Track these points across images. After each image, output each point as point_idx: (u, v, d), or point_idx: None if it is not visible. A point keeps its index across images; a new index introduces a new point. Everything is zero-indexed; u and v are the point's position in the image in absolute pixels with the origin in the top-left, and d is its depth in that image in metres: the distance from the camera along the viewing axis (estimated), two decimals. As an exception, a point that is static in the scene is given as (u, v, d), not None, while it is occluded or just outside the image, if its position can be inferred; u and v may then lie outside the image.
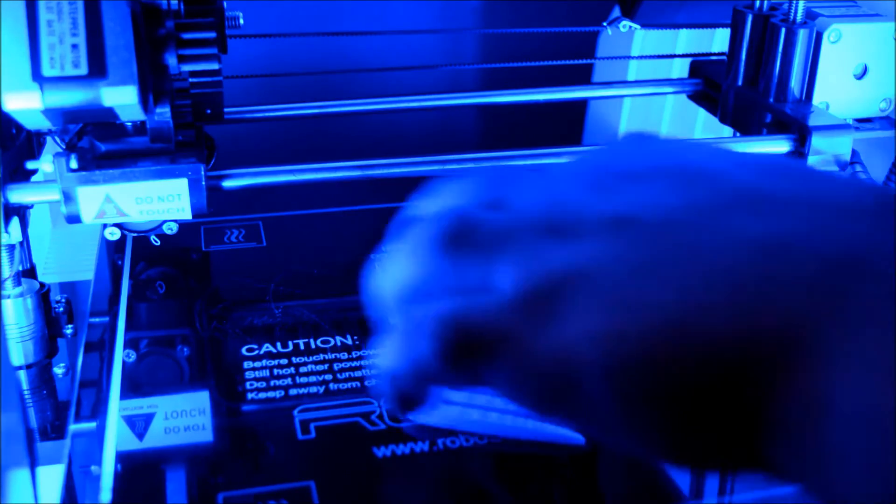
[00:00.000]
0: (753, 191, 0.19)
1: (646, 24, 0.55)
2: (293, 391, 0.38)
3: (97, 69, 0.32)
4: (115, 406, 0.37)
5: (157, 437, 0.35)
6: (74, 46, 0.32)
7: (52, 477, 0.34)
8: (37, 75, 0.32)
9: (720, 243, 0.18)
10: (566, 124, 0.72)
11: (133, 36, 0.32)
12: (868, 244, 0.17)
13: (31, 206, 0.42)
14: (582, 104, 0.72)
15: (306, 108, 0.50)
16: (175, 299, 0.47)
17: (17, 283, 0.42)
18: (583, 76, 0.69)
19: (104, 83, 0.32)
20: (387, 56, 0.63)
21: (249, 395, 0.38)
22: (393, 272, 0.24)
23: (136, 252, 0.51)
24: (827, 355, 0.16)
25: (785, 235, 0.18)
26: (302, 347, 0.41)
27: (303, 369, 0.40)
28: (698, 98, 0.54)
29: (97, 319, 0.45)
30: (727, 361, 0.17)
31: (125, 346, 0.42)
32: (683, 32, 0.63)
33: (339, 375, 0.39)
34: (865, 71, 0.47)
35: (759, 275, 0.17)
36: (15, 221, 0.40)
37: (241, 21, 0.43)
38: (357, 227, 0.55)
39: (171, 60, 0.36)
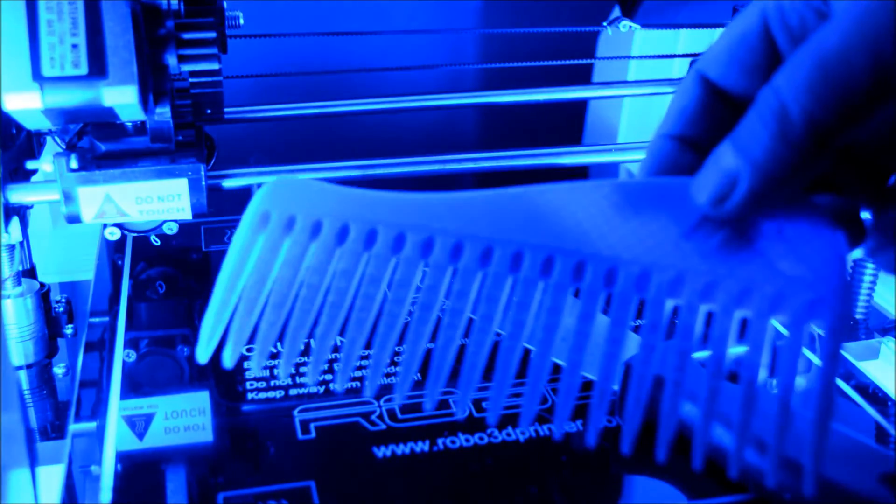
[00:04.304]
0: None
1: (646, 24, 0.55)
2: (293, 391, 0.38)
3: (97, 69, 0.32)
4: (115, 406, 0.37)
5: (157, 437, 0.35)
6: (74, 46, 0.32)
7: (52, 477, 0.34)
8: (37, 75, 0.32)
9: None
10: (566, 124, 0.72)
11: (133, 36, 0.32)
12: None
13: (31, 206, 0.42)
14: (582, 104, 0.72)
15: (306, 108, 0.50)
16: (175, 299, 0.47)
17: (17, 283, 0.42)
18: (583, 76, 0.69)
19: (104, 83, 0.32)
20: (387, 56, 0.63)
21: (249, 395, 0.38)
22: None
23: (136, 252, 0.51)
24: None
25: None
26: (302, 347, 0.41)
27: (303, 369, 0.40)
28: (698, 98, 0.54)
29: (97, 319, 0.45)
30: None
31: (125, 346, 0.42)
32: (683, 32, 0.63)
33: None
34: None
35: None
36: (15, 221, 0.40)
37: (241, 21, 0.43)
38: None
39: (171, 60, 0.36)
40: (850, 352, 0.44)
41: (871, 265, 0.48)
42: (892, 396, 0.39)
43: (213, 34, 0.36)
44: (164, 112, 0.38)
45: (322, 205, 0.26)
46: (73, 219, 0.38)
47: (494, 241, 0.25)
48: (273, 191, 0.26)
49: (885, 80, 0.21)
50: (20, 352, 0.42)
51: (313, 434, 0.35)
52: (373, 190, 0.26)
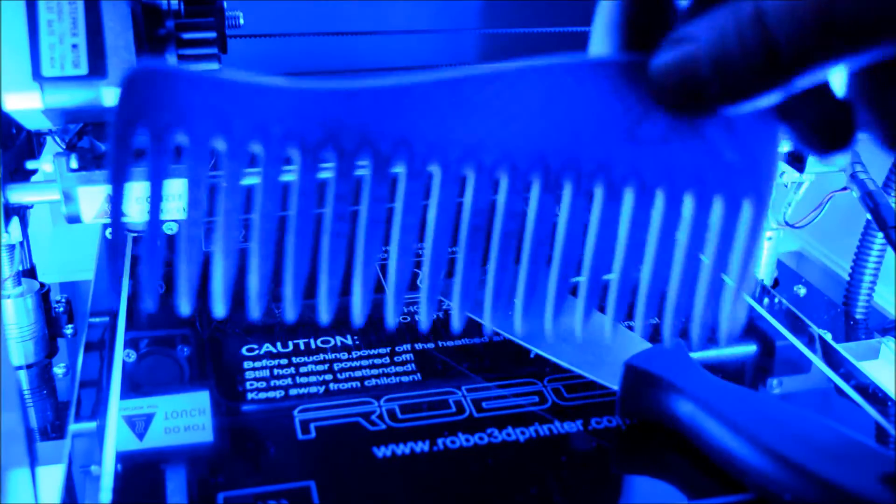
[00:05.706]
0: None
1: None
2: (293, 391, 0.38)
3: (97, 69, 0.32)
4: (115, 406, 0.37)
5: (157, 437, 0.35)
6: (74, 46, 0.32)
7: (52, 477, 0.34)
8: (37, 75, 0.32)
9: None
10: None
11: (133, 36, 0.32)
12: None
13: (31, 206, 0.42)
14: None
15: (306, 108, 0.50)
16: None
17: (18, 283, 0.42)
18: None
19: (104, 83, 0.32)
20: (387, 56, 0.63)
21: (249, 395, 0.38)
22: None
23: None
24: None
25: None
26: (302, 347, 0.41)
27: (303, 369, 0.40)
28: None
29: (97, 319, 0.45)
30: None
31: (125, 346, 0.42)
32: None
33: (339, 375, 0.39)
34: (865, 71, 0.47)
35: None
36: (15, 221, 0.40)
37: (241, 21, 0.43)
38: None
39: (171, 60, 0.36)
40: (851, 352, 0.44)
41: (871, 266, 0.48)
42: (892, 396, 0.39)
43: (213, 34, 0.36)
44: (164, 112, 0.38)
45: (204, 112, 0.23)
46: (73, 219, 0.38)
47: (408, 137, 0.24)
48: (135, 92, 0.22)
49: None
50: (20, 352, 0.42)
51: (313, 434, 0.35)
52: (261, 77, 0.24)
